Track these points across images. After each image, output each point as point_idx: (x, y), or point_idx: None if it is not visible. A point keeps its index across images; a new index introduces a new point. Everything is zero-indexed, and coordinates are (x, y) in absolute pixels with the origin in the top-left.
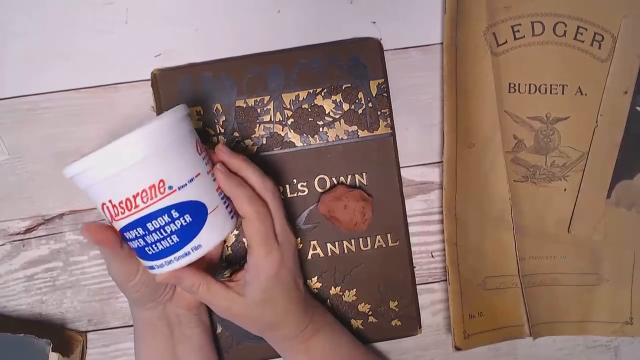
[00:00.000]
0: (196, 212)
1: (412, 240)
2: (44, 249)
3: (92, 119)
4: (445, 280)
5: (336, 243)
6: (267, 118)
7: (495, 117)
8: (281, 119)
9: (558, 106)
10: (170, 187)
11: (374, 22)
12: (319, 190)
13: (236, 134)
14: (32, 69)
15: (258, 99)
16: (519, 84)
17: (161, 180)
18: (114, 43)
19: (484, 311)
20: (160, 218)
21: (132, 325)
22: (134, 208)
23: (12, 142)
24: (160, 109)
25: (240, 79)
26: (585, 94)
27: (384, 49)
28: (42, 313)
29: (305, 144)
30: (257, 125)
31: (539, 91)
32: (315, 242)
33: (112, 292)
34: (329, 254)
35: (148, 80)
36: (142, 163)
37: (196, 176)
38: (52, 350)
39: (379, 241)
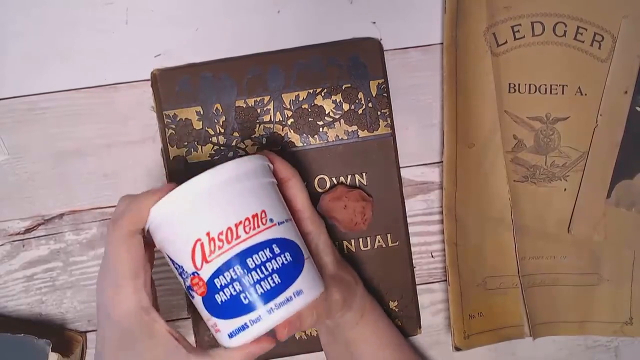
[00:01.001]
0: (295, 253)
1: (412, 240)
2: (44, 249)
3: (92, 119)
4: (445, 280)
5: (336, 243)
6: (267, 118)
7: (495, 117)
8: (281, 119)
9: (558, 106)
10: (271, 220)
11: (374, 22)
12: (319, 190)
13: (236, 134)
14: (32, 68)
15: (258, 99)
16: (519, 84)
17: (263, 211)
18: (114, 43)
19: (484, 311)
20: (262, 252)
21: None
22: (235, 239)
23: (11, 142)
24: (160, 109)
25: (240, 79)
26: (585, 94)
27: (384, 49)
28: (42, 313)
29: (305, 144)
30: (257, 125)
31: (539, 91)
32: None
33: None
34: None
35: (148, 80)
36: (248, 189)
37: (290, 219)
38: (52, 351)
39: (379, 241)
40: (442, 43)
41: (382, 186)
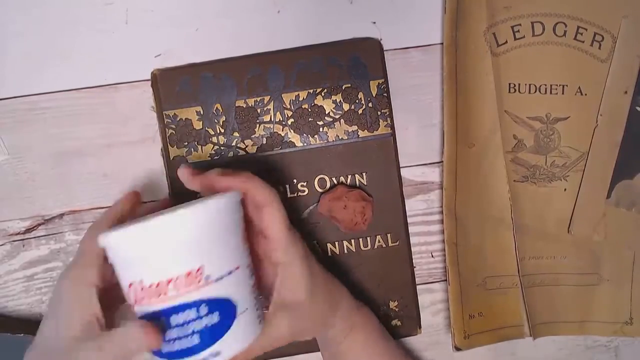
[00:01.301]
0: (225, 312)
1: (412, 240)
2: (44, 249)
3: (92, 119)
4: (445, 280)
5: (336, 243)
6: (267, 118)
7: (495, 117)
8: (281, 119)
9: (558, 106)
10: (207, 277)
11: (374, 22)
12: (319, 190)
13: (236, 134)
14: (32, 68)
15: (258, 99)
16: (519, 84)
17: (200, 268)
18: (114, 43)
19: (484, 311)
20: (188, 312)
21: None
22: (163, 295)
23: (12, 142)
24: (160, 109)
25: (240, 79)
26: (585, 94)
27: (384, 49)
28: (42, 313)
29: (305, 144)
30: (257, 125)
31: (539, 91)
32: (315, 242)
33: None
34: (329, 254)
35: (148, 80)
36: (186, 244)
37: (235, 269)
38: None
39: (379, 241)
40: (442, 43)
41: (382, 186)
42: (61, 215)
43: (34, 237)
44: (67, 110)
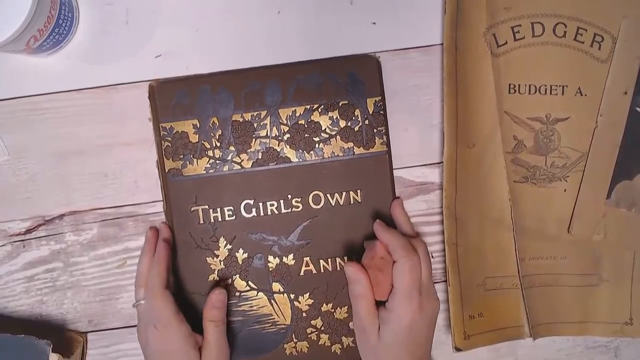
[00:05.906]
0: None
1: None
2: (44, 249)
3: (92, 119)
4: (445, 281)
5: (329, 260)
6: (263, 133)
7: (495, 117)
8: (277, 134)
9: (558, 107)
10: None
11: (374, 23)
12: (313, 206)
13: (232, 148)
14: (33, 69)
15: (255, 113)
16: (519, 85)
17: None
18: (114, 43)
19: (484, 312)
20: None
21: (132, 326)
22: None
23: (12, 142)
24: (156, 121)
25: (238, 93)
26: (585, 95)
27: (384, 50)
28: (42, 314)
29: (300, 160)
30: (253, 139)
31: (539, 92)
32: (307, 258)
33: (113, 293)
34: (322, 270)
35: (148, 81)
36: None
37: None
38: (53, 351)
39: None
40: (442, 44)
41: (377, 203)
42: (61, 216)
43: (35, 238)
44: (68, 111)
